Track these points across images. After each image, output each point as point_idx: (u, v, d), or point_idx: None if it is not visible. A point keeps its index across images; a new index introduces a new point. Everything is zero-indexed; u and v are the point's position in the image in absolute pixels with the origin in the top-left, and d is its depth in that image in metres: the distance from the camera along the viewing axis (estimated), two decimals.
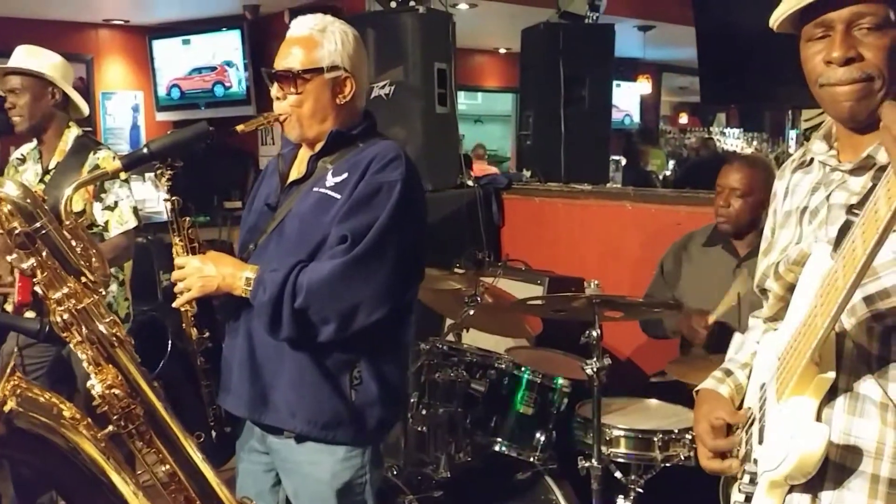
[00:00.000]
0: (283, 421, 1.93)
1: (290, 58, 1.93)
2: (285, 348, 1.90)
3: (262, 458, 2.06)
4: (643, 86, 11.02)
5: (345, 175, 1.91)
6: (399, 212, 1.86)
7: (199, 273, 1.88)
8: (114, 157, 2.99)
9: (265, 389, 1.93)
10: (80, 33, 6.90)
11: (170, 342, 1.95)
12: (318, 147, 1.98)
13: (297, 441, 1.94)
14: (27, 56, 2.96)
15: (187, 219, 1.92)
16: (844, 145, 1.39)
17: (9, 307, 2.79)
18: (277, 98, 1.95)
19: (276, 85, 1.95)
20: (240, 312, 1.95)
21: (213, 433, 1.99)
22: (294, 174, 2.03)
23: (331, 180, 1.92)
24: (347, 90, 1.96)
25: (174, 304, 1.92)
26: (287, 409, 1.91)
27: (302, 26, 1.96)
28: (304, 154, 2.04)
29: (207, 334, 1.96)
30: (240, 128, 1.94)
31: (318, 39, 1.93)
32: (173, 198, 1.89)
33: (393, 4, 4.46)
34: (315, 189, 1.93)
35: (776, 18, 1.34)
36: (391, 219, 1.84)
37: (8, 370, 1.44)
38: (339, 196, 1.88)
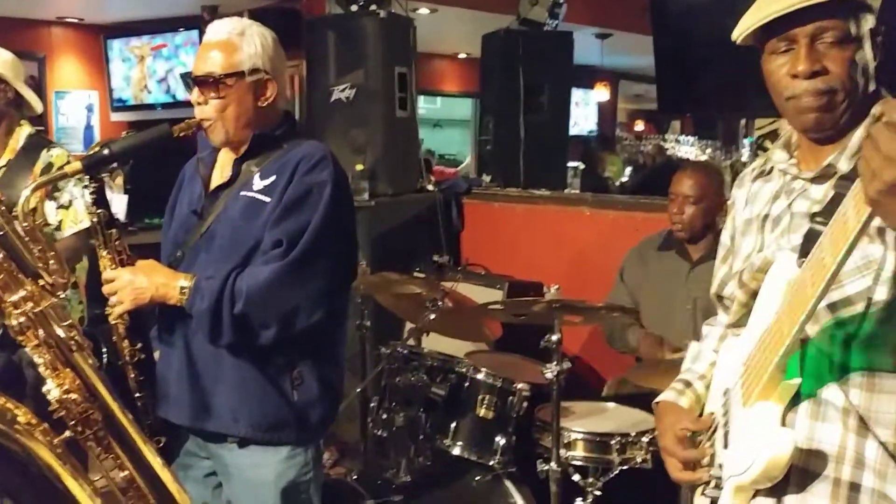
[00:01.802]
0: (227, 426, 1.93)
1: (209, 62, 1.91)
2: (224, 354, 1.89)
3: (202, 462, 2.05)
4: (601, 93, 11.15)
5: (273, 178, 1.91)
6: (331, 212, 1.87)
7: (130, 285, 1.84)
8: (68, 156, 2.94)
9: (206, 396, 1.92)
10: (32, 30, 6.78)
11: (105, 356, 1.93)
12: (242, 150, 1.97)
13: (240, 446, 1.94)
14: None
15: (113, 231, 1.87)
16: (805, 154, 1.41)
17: None
18: (198, 103, 1.93)
19: (196, 90, 1.93)
20: (174, 322, 1.93)
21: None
22: (217, 178, 2.02)
23: (258, 183, 1.91)
24: (269, 92, 1.95)
25: (110, 319, 1.88)
26: (230, 415, 1.91)
27: (220, 30, 1.94)
28: (226, 157, 2.02)
29: (139, 346, 1.93)
30: (175, 129, 1.90)
31: (237, 43, 1.92)
32: (98, 210, 1.85)
33: (354, 8, 4.45)
34: (243, 193, 1.92)
35: (740, 33, 1.36)
36: (324, 220, 1.86)
37: None
38: (268, 199, 1.88)
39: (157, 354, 2.02)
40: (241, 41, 1.92)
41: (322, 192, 1.87)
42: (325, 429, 2.03)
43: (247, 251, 1.88)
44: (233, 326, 1.82)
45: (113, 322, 1.89)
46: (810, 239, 1.25)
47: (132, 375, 1.92)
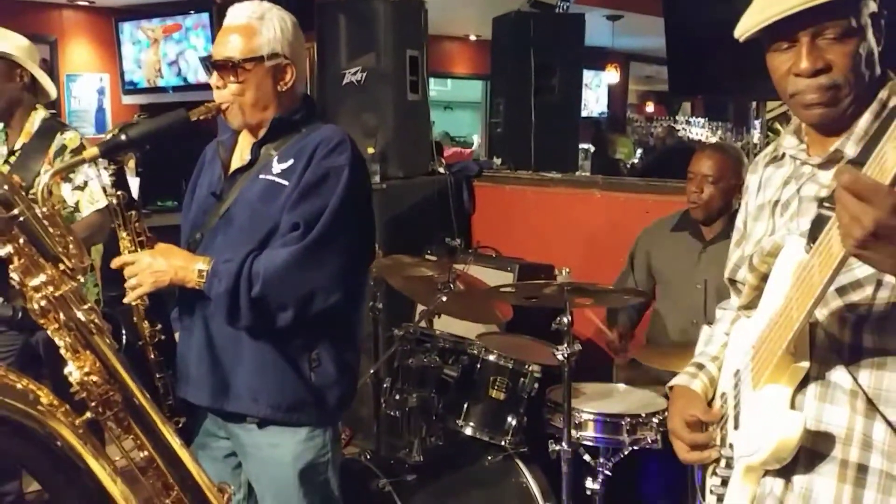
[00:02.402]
0: (246, 407, 1.94)
1: (228, 46, 1.91)
2: (243, 336, 1.91)
3: (221, 443, 2.07)
4: (611, 75, 11.09)
5: (291, 161, 1.91)
6: (349, 196, 1.88)
7: (150, 268, 1.86)
8: (81, 138, 2.97)
9: (226, 377, 1.94)
10: (44, 13, 6.78)
11: (124, 337, 1.95)
12: (261, 134, 1.97)
13: (260, 426, 1.96)
14: None
15: (133, 213, 1.89)
16: (814, 140, 1.42)
17: None
18: (217, 87, 1.94)
19: (215, 74, 1.93)
20: (194, 304, 1.95)
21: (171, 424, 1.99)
22: (237, 161, 2.03)
23: (277, 167, 1.92)
24: (288, 77, 1.96)
25: (125, 301, 1.90)
26: (249, 395, 1.93)
27: (239, 14, 1.94)
28: (246, 140, 2.03)
29: (159, 327, 1.96)
30: (192, 115, 1.91)
31: (256, 27, 1.91)
32: (118, 192, 1.87)
33: None
34: (261, 176, 1.93)
35: (741, 33, 1.37)
36: (341, 203, 1.86)
37: None
38: (286, 182, 1.89)
39: (177, 335, 2.04)
40: (260, 25, 1.92)
41: (340, 175, 1.88)
42: (342, 410, 2.05)
43: (265, 234, 1.89)
44: (250, 309, 1.83)
45: (133, 303, 1.91)
46: (818, 224, 1.26)
47: (152, 356, 1.95)
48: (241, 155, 2.03)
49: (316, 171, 1.88)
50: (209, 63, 1.93)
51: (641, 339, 3.22)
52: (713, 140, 8.96)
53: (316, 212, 1.85)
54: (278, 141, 1.96)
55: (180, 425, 1.99)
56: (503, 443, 2.80)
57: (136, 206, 1.89)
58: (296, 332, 1.91)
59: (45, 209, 1.60)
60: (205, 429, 2.07)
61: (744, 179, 1.65)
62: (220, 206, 1.97)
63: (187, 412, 2.02)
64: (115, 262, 1.91)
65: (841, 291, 1.29)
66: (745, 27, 1.35)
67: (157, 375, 1.96)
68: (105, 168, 1.83)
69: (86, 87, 7.05)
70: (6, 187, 1.49)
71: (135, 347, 1.94)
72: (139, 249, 1.90)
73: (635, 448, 2.64)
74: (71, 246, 1.59)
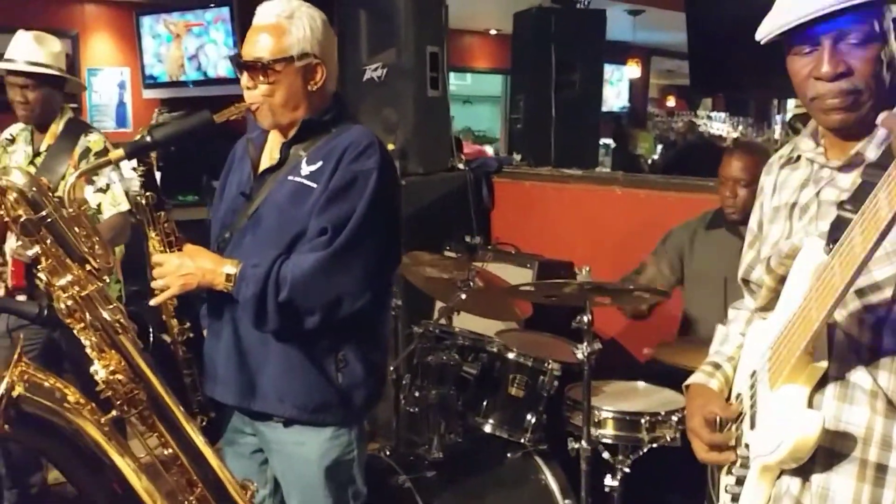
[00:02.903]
0: (273, 407, 1.95)
1: (257, 46, 1.89)
2: (270, 337, 1.91)
3: (248, 439, 2.08)
4: (632, 69, 11.03)
5: (320, 163, 1.90)
6: (376, 200, 1.87)
7: (178, 271, 1.86)
8: (104, 141, 3.01)
9: (253, 377, 1.94)
10: (66, 8, 6.82)
11: (151, 334, 1.98)
12: (291, 134, 1.96)
13: (286, 425, 1.97)
14: (36, 45, 2.93)
15: (162, 213, 1.90)
16: (832, 143, 1.42)
17: (0, 291, 2.81)
18: (248, 87, 1.93)
19: (245, 74, 1.92)
20: (222, 305, 1.95)
21: (199, 419, 2.00)
22: (266, 161, 2.02)
23: (305, 169, 1.91)
24: (318, 76, 1.94)
25: (152, 302, 1.91)
26: (276, 396, 1.93)
27: (268, 13, 1.91)
28: (275, 139, 2.02)
29: (188, 325, 1.98)
30: (217, 118, 1.93)
31: (285, 26, 1.89)
32: (147, 193, 1.88)
33: None
34: (290, 178, 1.92)
35: (763, 35, 1.37)
36: (369, 208, 1.85)
37: (16, 356, 1.47)
38: (315, 185, 1.88)
39: (205, 332, 2.06)
40: (289, 24, 1.90)
41: (368, 180, 1.87)
42: (368, 409, 2.06)
43: (292, 237, 1.89)
44: (278, 313, 1.83)
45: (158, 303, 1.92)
46: (838, 226, 1.27)
47: (181, 353, 1.97)
48: (270, 154, 2.02)
49: (344, 174, 1.87)
50: (239, 63, 1.92)
51: (662, 336, 3.21)
52: (734, 136, 8.88)
53: (344, 216, 1.84)
54: (308, 141, 1.95)
55: (205, 423, 2.02)
56: (522, 440, 2.80)
57: (164, 207, 1.90)
58: (323, 334, 1.91)
59: (71, 210, 1.62)
60: (232, 425, 2.09)
61: None
62: (249, 207, 1.97)
63: (215, 408, 2.04)
64: (152, 262, 1.92)
65: (860, 293, 1.29)
66: (767, 30, 1.35)
67: (186, 372, 1.98)
68: (134, 169, 1.85)
69: (107, 81, 7.09)
70: (35, 189, 1.51)
71: (163, 344, 1.95)
72: (168, 250, 1.91)
73: (654, 446, 2.64)
74: (97, 247, 1.61)
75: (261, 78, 1.89)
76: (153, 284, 1.90)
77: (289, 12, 1.91)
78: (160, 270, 1.88)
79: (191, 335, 1.99)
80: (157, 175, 5.86)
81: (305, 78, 1.92)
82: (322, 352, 1.93)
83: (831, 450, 1.32)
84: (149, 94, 7.00)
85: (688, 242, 3.14)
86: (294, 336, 1.90)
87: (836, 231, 1.26)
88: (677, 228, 3.22)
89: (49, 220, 1.51)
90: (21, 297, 2.73)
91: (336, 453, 2.00)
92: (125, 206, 2.96)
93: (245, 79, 1.92)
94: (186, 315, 1.97)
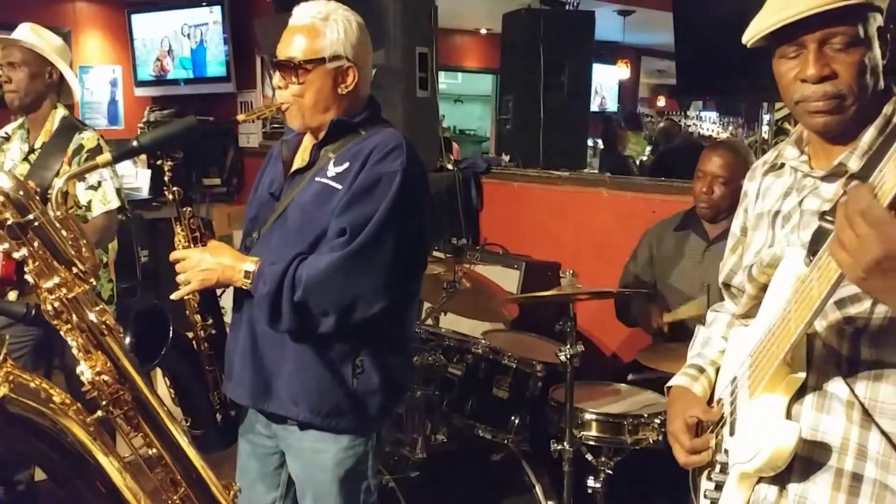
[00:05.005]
0: (286, 409, 1.93)
1: (291, 47, 1.89)
2: (287, 338, 1.89)
3: (266, 440, 2.07)
4: (622, 70, 11.06)
5: (346, 165, 1.88)
6: (398, 203, 1.82)
7: (198, 266, 1.87)
8: (98, 139, 3.02)
9: (268, 378, 1.93)
10: (57, 5, 6.80)
11: (171, 330, 1.98)
12: (321, 135, 1.95)
13: (301, 428, 1.96)
14: (31, 33, 2.97)
15: (189, 209, 1.92)
16: (816, 151, 1.43)
17: None
18: (279, 87, 1.93)
19: (277, 74, 1.92)
20: (243, 303, 1.95)
21: (219, 416, 2.02)
22: (298, 162, 2.02)
23: (332, 170, 1.89)
24: (350, 80, 1.92)
25: (173, 297, 1.91)
26: (290, 398, 1.92)
27: (304, 14, 1.92)
28: (308, 141, 2.02)
29: (211, 321, 1.99)
30: (240, 117, 1.93)
31: (320, 28, 1.89)
32: (175, 188, 1.90)
33: None
34: (317, 179, 1.91)
35: (749, 38, 1.38)
36: (390, 211, 1.81)
37: (0, 357, 1.48)
38: (340, 186, 1.86)
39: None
40: (324, 26, 1.89)
41: (391, 182, 1.83)
42: (384, 419, 2.03)
43: (315, 237, 1.87)
44: (292, 313, 1.81)
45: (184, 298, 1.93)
46: (819, 237, 1.28)
47: (203, 348, 1.98)
48: (302, 156, 2.02)
49: (368, 176, 1.84)
50: (272, 62, 1.91)
51: (647, 339, 3.24)
52: (724, 136, 8.91)
53: (363, 218, 1.81)
54: (337, 143, 1.94)
55: (223, 419, 2.04)
56: (506, 441, 2.83)
57: (191, 202, 1.92)
58: (340, 338, 1.88)
59: (59, 213, 1.63)
60: (251, 425, 2.08)
61: None
62: (277, 207, 1.96)
63: (235, 407, 2.04)
64: (172, 257, 1.94)
65: (840, 304, 1.30)
66: (754, 32, 1.37)
67: (208, 368, 1.98)
68: (160, 163, 1.87)
69: (98, 78, 7.07)
70: (21, 193, 1.52)
71: (184, 339, 1.96)
72: (192, 245, 1.93)
73: (637, 448, 2.67)
74: (83, 249, 1.62)
75: (292, 78, 1.90)
76: (177, 279, 1.91)
77: (324, 14, 1.91)
78: (182, 265, 1.90)
79: (213, 332, 1.99)
80: (148, 172, 5.83)
81: (336, 80, 1.92)
82: (339, 356, 1.90)
83: (809, 459, 1.33)
84: (140, 91, 7.00)
85: (658, 245, 3.18)
86: (311, 338, 1.87)
87: (817, 242, 1.27)
88: (647, 233, 3.26)
89: (36, 223, 1.52)
90: (11, 295, 2.75)
91: (351, 462, 1.98)
92: (115, 204, 2.97)
93: (277, 78, 1.92)
94: (210, 311, 1.98)
